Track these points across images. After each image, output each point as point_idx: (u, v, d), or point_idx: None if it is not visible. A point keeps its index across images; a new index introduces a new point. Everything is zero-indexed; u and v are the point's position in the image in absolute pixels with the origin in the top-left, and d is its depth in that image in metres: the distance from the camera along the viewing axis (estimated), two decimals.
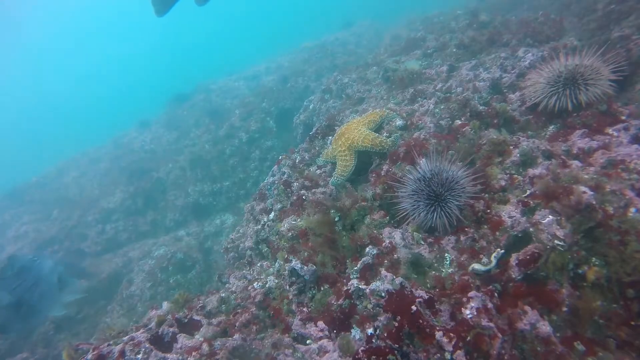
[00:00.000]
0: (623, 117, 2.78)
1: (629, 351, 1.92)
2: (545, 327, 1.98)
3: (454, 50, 5.60)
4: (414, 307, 2.05)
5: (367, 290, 2.33)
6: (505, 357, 1.90)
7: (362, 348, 2.04)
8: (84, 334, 6.70)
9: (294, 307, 2.79)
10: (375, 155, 3.61)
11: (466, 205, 2.56)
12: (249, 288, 3.23)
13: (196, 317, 2.89)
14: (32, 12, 41.45)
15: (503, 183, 2.67)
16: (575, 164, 2.58)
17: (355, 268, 2.64)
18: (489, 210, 2.52)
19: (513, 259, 2.24)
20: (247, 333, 2.68)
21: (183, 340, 2.60)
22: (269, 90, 10.22)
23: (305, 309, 2.73)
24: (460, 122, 3.50)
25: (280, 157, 5.16)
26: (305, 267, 2.77)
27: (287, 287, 2.89)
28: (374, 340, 2.09)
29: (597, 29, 3.92)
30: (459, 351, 1.86)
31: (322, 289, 2.77)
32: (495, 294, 2.14)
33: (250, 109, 9.82)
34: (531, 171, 2.66)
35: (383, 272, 2.47)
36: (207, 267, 7.33)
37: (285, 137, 9.10)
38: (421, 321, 1.99)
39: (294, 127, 8.25)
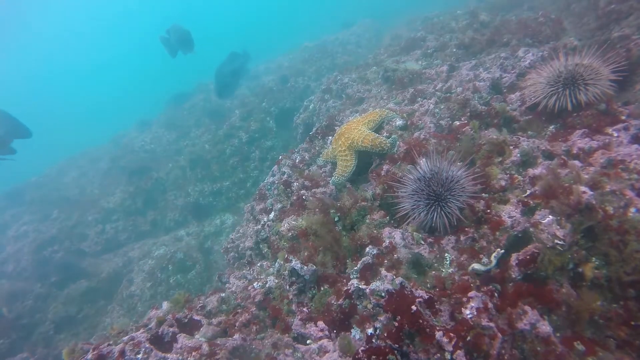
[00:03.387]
0: (623, 117, 2.78)
1: (629, 351, 1.92)
2: (545, 327, 1.98)
3: (454, 50, 5.60)
4: (414, 307, 2.05)
5: (367, 290, 2.33)
6: (505, 357, 1.90)
7: (362, 348, 2.04)
8: (84, 334, 6.70)
9: (294, 307, 2.79)
10: (375, 156, 3.61)
11: (466, 205, 2.56)
12: (249, 288, 3.23)
13: (196, 317, 2.89)
14: (31, 11, 41.45)
15: (503, 183, 2.67)
16: (575, 164, 2.58)
17: (355, 268, 2.64)
18: (489, 210, 2.52)
19: (513, 258, 2.24)
20: (247, 333, 2.69)
21: (183, 340, 2.60)
22: (269, 90, 10.21)
23: (305, 309, 2.73)
24: (460, 122, 3.50)
25: (280, 157, 5.16)
26: (305, 267, 2.77)
27: (287, 287, 2.89)
28: (374, 340, 2.09)
29: (597, 29, 3.92)
30: (459, 351, 1.86)
31: (322, 289, 2.77)
32: (495, 294, 2.14)
33: (250, 108, 9.82)
34: (531, 171, 2.66)
35: (383, 272, 2.47)
36: (207, 267, 7.32)
37: (285, 137, 9.10)
38: (421, 321, 1.99)
39: (294, 127, 8.25)
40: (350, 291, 2.44)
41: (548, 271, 2.16)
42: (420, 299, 2.10)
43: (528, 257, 2.19)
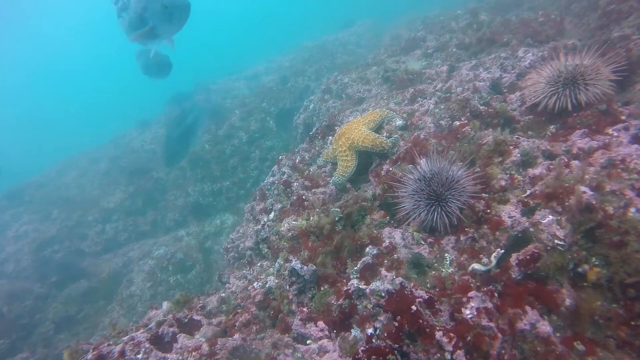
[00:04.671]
0: (623, 117, 2.78)
1: (629, 351, 1.92)
2: (545, 327, 1.98)
3: (454, 50, 5.60)
4: (414, 307, 2.05)
5: (367, 290, 2.33)
6: (505, 357, 1.90)
7: (362, 348, 2.04)
8: (84, 334, 6.70)
9: (294, 307, 2.79)
10: (376, 156, 3.61)
11: (466, 205, 2.56)
12: (249, 288, 3.23)
13: (196, 317, 2.89)
14: (31, 9, 41.43)
15: (503, 183, 2.67)
16: (576, 164, 2.58)
17: (355, 268, 2.64)
18: (489, 210, 2.52)
19: (513, 258, 2.24)
20: (247, 333, 2.69)
21: (183, 340, 2.60)
22: (269, 90, 10.21)
23: (305, 309, 2.73)
24: (460, 122, 3.50)
25: (280, 157, 5.16)
26: (305, 267, 2.77)
27: (287, 287, 2.89)
28: (374, 340, 2.09)
29: (597, 29, 3.92)
30: (459, 351, 1.86)
31: (322, 289, 2.77)
32: (495, 294, 2.14)
33: (250, 108, 9.82)
34: (531, 171, 2.66)
35: (383, 272, 2.47)
36: (207, 267, 7.32)
37: (285, 137, 9.10)
38: (421, 321, 1.99)
39: (294, 127, 8.25)
40: (350, 291, 2.43)
41: (548, 271, 2.16)
42: (420, 299, 2.10)
43: (528, 257, 2.19)
